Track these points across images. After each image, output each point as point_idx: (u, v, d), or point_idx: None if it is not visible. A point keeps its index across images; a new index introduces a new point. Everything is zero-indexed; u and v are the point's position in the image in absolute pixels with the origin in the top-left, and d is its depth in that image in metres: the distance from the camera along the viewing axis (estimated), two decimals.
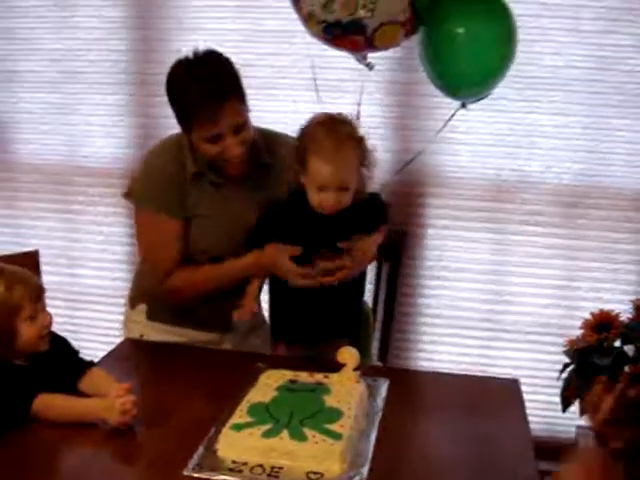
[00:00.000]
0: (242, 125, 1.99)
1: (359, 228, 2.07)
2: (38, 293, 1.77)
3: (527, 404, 1.79)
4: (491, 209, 2.86)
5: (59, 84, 3.08)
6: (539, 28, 2.67)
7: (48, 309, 1.77)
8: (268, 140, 2.16)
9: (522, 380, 1.91)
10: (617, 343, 1.78)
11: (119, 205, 3.00)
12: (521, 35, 2.35)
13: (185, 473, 1.42)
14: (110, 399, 1.66)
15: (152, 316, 2.23)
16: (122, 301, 2.57)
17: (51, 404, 1.67)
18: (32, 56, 3.08)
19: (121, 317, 2.31)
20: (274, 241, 2.04)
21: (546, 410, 2.68)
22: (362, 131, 2.03)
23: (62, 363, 1.79)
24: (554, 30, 2.70)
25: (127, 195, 2.19)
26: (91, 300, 3.15)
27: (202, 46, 2.03)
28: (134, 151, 3.00)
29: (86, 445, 1.58)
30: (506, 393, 1.90)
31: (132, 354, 2.12)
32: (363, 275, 2.17)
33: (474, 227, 2.88)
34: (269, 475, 1.43)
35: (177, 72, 2.03)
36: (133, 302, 2.29)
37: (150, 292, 2.22)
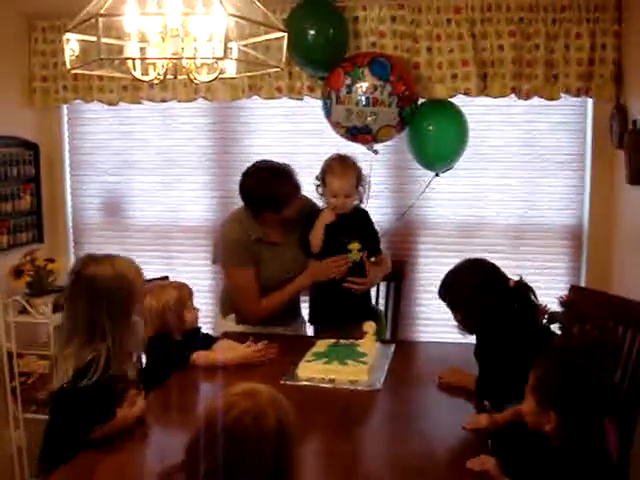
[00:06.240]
0: None
1: (356, 229, 2.69)
2: (191, 294, 2.51)
3: None
4: (461, 243, 3.35)
5: (163, 169, 3.60)
6: (486, 121, 3.27)
7: None
8: None
9: None
10: None
11: (204, 252, 3.50)
12: (474, 126, 3.07)
13: (281, 382, 2.22)
14: (241, 349, 2.40)
15: (239, 321, 2.82)
16: (208, 319, 3.14)
17: (198, 356, 2.41)
18: (143, 150, 3.61)
19: (207, 329, 2.73)
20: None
21: None
22: (361, 166, 2.67)
23: (200, 337, 2.53)
24: (495, 122, 3.29)
25: (215, 261, 2.81)
26: None
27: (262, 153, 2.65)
28: (215, 214, 3.54)
29: (218, 379, 2.33)
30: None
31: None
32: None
33: (450, 255, 3.09)
34: (327, 382, 2.24)
35: (268, 178, 2.64)
36: (224, 313, 2.86)
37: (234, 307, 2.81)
